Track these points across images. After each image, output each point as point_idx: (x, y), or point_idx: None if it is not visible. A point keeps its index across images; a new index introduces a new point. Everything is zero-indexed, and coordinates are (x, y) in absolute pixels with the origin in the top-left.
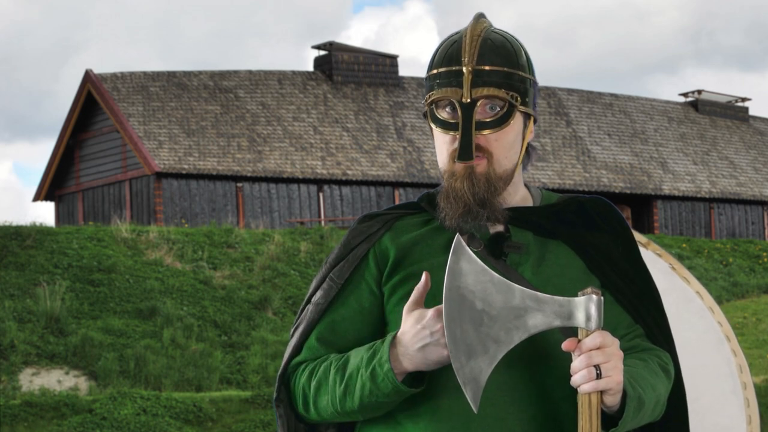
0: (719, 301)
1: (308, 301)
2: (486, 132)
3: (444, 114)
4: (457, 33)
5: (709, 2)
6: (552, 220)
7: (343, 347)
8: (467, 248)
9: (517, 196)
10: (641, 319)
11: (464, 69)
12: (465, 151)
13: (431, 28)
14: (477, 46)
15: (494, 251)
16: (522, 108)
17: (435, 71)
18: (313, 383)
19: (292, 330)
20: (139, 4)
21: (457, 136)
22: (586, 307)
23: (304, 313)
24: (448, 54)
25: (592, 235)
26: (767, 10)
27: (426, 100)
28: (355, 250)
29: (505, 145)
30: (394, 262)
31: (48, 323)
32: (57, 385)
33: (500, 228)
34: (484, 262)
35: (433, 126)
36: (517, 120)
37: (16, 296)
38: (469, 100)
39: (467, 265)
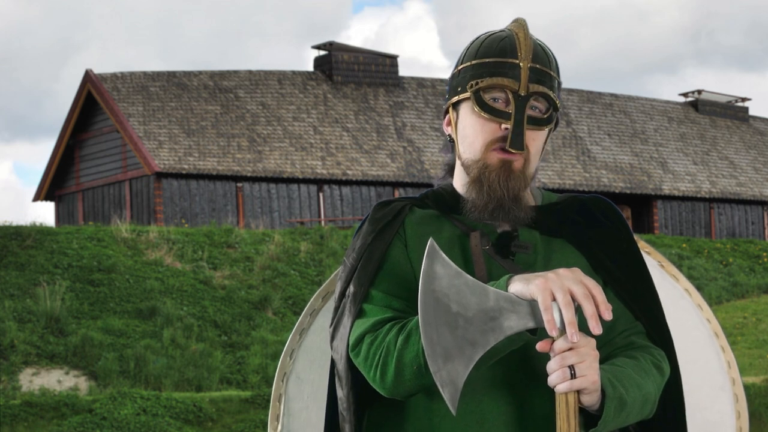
0: (719, 301)
1: (343, 294)
2: (533, 128)
3: (492, 102)
4: (501, 30)
5: (709, 2)
6: (556, 219)
7: (408, 297)
8: (441, 252)
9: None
10: (642, 315)
11: (521, 63)
12: (517, 141)
13: (431, 28)
14: (531, 45)
15: (502, 250)
16: (556, 114)
17: (486, 60)
18: (402, 336)
19: (331, 328)
20: (139, 4)
21: (507, 126)
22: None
23: (347, 293)
24: (501, 46)
25: (596, 233)
26: (767, 10)
27: (469, 87)
28: (386, 225)
29: (539, 145)
30: (409, 245)
31: (48, 323)
32: (57, 385)
33: (507, 227)
34: (492, 262)
35: (478, 111)
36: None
37: (16, 296)
38: (524, 93)
39: (441, 269)
